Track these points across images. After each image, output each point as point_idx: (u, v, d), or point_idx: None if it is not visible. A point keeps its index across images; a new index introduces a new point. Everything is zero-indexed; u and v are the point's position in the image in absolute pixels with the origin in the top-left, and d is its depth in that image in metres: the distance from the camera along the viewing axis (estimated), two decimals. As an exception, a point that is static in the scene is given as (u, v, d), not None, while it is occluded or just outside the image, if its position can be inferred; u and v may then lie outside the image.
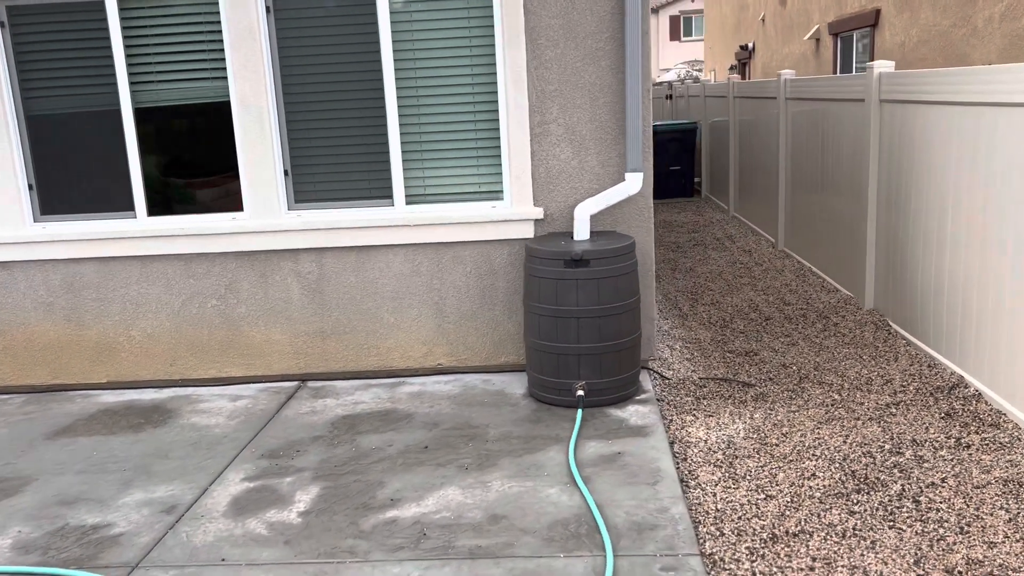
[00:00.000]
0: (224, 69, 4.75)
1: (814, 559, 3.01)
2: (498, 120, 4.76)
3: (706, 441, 4.08)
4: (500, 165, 4.82)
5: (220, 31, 4.70)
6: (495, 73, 4.70)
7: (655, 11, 51.84)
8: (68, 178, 4.93)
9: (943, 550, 3.03)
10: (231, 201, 4.93)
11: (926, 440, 3.96)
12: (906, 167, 5.37)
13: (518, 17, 4.57)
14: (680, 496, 3.40)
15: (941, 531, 3.15)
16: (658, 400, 4.66)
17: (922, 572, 2.90)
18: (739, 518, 3.32)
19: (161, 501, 3.56)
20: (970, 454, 3.79)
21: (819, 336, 5.72)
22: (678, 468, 3.80)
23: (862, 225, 6.10)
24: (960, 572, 2.89)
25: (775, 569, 2.95)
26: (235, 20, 4.63)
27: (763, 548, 3.09)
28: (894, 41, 11.87)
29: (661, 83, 12.50)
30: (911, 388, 4.65)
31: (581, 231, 4.57)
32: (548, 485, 3.54)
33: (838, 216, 6.79)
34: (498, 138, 4.79)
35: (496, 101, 4.74)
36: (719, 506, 3.42)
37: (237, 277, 4.95)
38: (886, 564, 2.96)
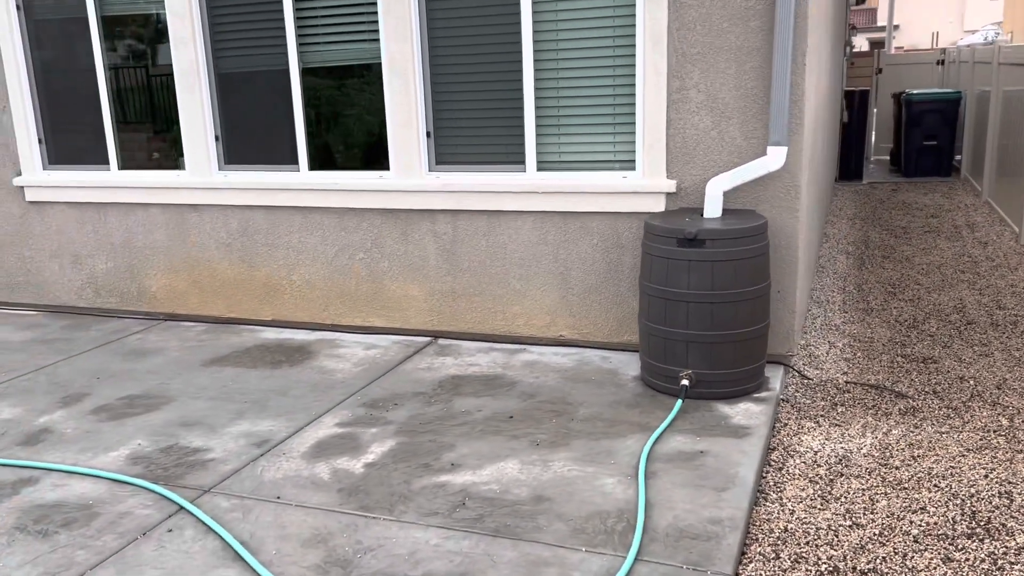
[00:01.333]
0: (377, 32, 4.94)
1: (871, 607, 2.58)
2: (634, 84, 4.49)
3: (816, 452, 3.63)
4: (634, 133, 4.56)
5: (375, -5, 4.88)
6: (635, 35, 4.43)
7: (960, -38, 45.68)
8: (246, 131, 5.43)
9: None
10: (382, 160, 5.16)
11: (1096, 491, 3.21)
12: None
13: (660, -26, 4.25)
14: (745, 508, 3.06)
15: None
16: (783, 401, 4.21)
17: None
18: (806, 543, 2.93)
19: (259, 435, 3.88)
20: None
21: (1022, 348, 4.83)
22: (764, 478, 3.42)
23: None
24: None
25: (819, 609, 2.58)
26: (387, -16, 4.78)
27: (815, 583, 2.71)
28: None
29: (969, 46, 10.98)
30: (1109, 425, 3.79)
31: (712, 208, 4.21)
32: (608, 474, 3.36)
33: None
34: (633, 104, 4.52)
35: (634, 64, 4.47)
36: (790, 526, 3.04)
37: (382, 233, 5.19)
38: (962, 630, 2.47)
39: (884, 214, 9.42)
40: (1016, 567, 2.76)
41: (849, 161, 12.09)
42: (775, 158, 4.16)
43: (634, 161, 4.60)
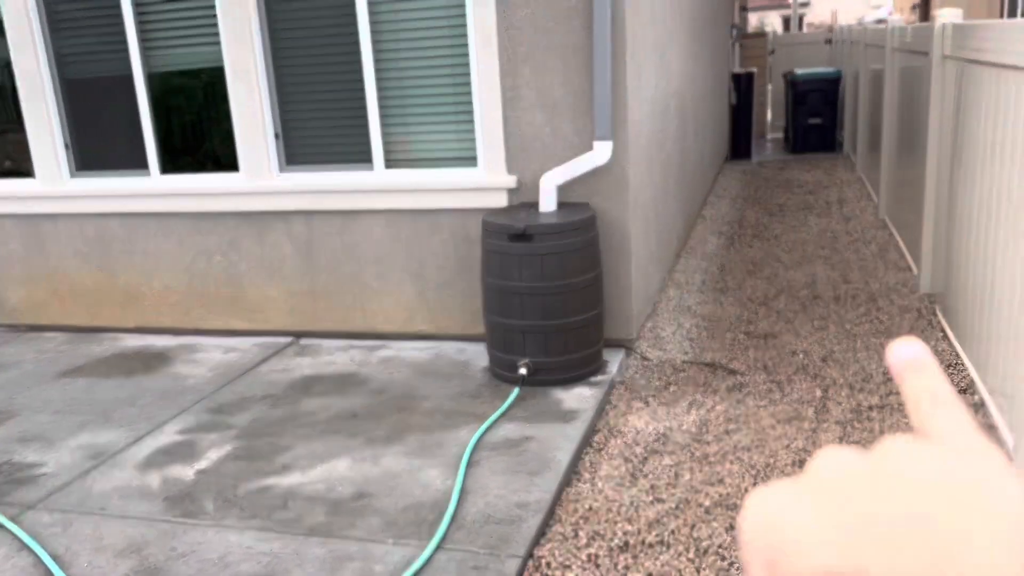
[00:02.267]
0: (219, 36, 4.92)
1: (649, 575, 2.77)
2: (470, 84, 4.60)
3: (639, 432, 3.83)
4: (474, 131, 4.67)
5: (215, -2, 4.86)
6: (467, 35, 4.53)
7: (864, -59, 47.15)
8: (97, 138, 5.35)
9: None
10: (232, 163, 5.15)
11: (881, 455, 3.48)
12: (968, 131, 4.61)
13: (486, -25, 4.36)
14: (553, 491, 3.23)
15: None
16: (619, 383, 4.41)
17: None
18: (607, 520, 3.11)
19: (97, 447, 3.89)
20: (920, 477, 3.29)
21: (855, 322, 5.13)
22: (582, 459, 3.60)
23: (920, 195, 5.34)
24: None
25: (602, 584, 2.75)
26: (225, -13, 4.76)
27: (604, 557, 2.88)
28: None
29: (880, 22, 11.35)
30: (909, 392, 4.08)
31: (547, 202, 4.36)
32: (434, 466, 3.49)
33: (914, 182, 5.99)
34: (471, 103, 4.63)
35: (468, 64, 4.58)
36: (595, 505, 3.22)
37: (238, 235, 5.20)
38: (728, 594, 2.67)
39: (766, 193, 9.78)
40: (789, 531, 2.99)
41: (738, 141, 12.49)
42: (601, 153, 4.32)
43: (476, 158, 4.71)
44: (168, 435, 3.96)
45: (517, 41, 4.42)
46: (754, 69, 12.64)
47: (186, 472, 3.58)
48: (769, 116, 15.79)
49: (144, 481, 3.52)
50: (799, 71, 12.45)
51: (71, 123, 5.35)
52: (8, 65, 5.31)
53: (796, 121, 12.49)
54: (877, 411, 3.90)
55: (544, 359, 4.21)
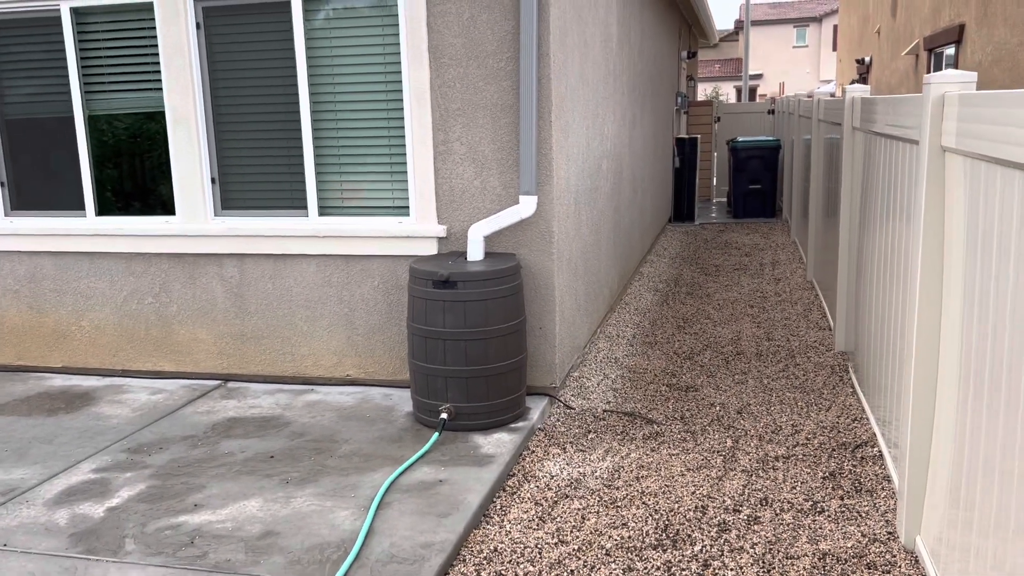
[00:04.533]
0: (161, 82, 5.04)
1: (545, 616, 2.83)
2: (403, 136, 4.77)
3: (553, 477, 3.91)
4: (407, 181, 4.82)
5: (156, 45, 4.99)
6: (402, 91, 4.72)
7: (818, 20, 49.45)
8: (35, 177, 5.39)
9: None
10: (169, 206, 5.22)
11: (780, 500, 3.61)
12: (871, 197, 4.90)
13: (421, 35, 4.56)
14: (460, 532, 3.28)
15: (712, 604, 2.87)
16: (539, 430, 4.50)
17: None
18: (510, 562, 3.17)
19: (7, 483, 3.84)
20: (814, 520, 3.42)
21: (773, 377, 5.32)
22: (494, 502, 3.66)
23: (835, 258, 5.61)
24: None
25: (499, 621, 2.80)
26: (167, 35, 4.90)
27: (503, 598, 2.94)
28: (973, 59, 10.81)
29: (790, 97, 11.74)
30: (814, 442, 4.25)
31: (474, 251, 4.50)
32: (345, 507, 3.52)
33: (834, 245, 6.28)
34: (404, 154, 4.79)
35: (403, 118, 4.75)
36: (501, 546, 3.28)
37: (169, 277, 5.23)
38: (618, 632, 2.74)
39: (704, 253, 10.09)
40: (682, 571, 3.08)
41: (681, 203, 12.89)
42: (526, 206, 4.50)
43: (408, 207, 4.85)
44: (82, 473, 3.93)
45: (449, 98, 4.61)
46: (698, 136, 13.13)
47: (96, 510, 3.55)
48: (715, 181, 16.33)
49: (52, 518, 3.49)
50: (740, 139, 12.96)
51: (9, 162, 5.38)
52: (-52, 102, 5.35)
53: (737, 187, 12.95)
54: (783, 461, 4.05)
55: (465, 404, 4.29)
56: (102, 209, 5.32)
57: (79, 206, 5.33)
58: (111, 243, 5.24)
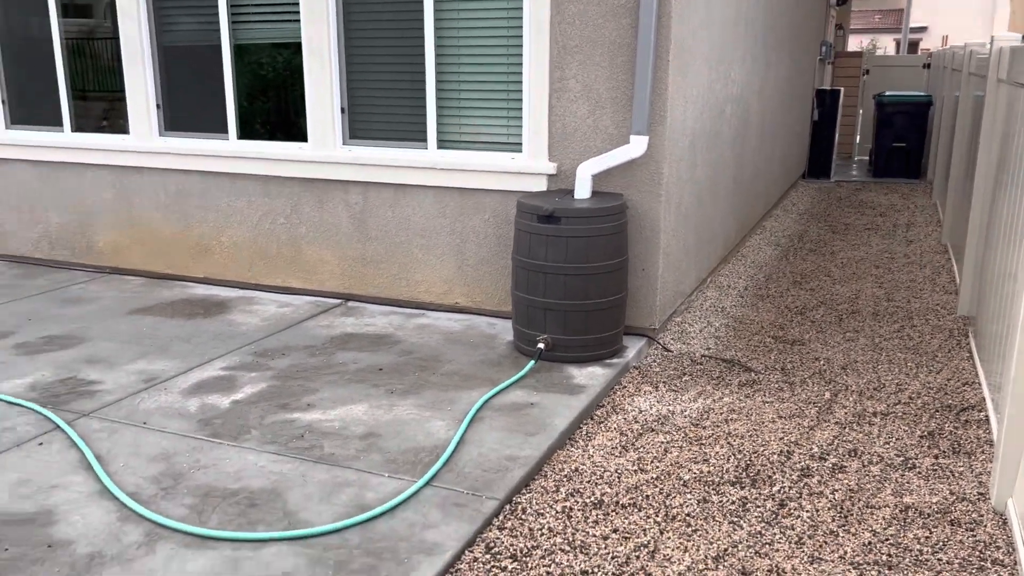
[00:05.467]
0: (299, 14, 5.33)
1: (615, 531, 2.97)
2: (521, 72, 4.85)
3: (640, 411, 4.01)
4: (521, 119, 4.93)
5: (299, -21, 5.27)
6: (522, 26, 4.79)
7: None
8: (185, 101, 5.85)
9: (750, 554, 2.82)
10: (302, 132, 5.56)
11: (870, 453, 3.57)
12: (1009, 155, 4.60)
13: (544, -29, 4.60)
14: (544, 450, 3.46)
15: (770, 538, 2.93)
16: (632, 368, 4.59)
17: (701, 570, 2.75)
18: (589, 481, 3.32)
19: (150, 373, 4.32)
20: (902, 475, 3.38)
21: (886, 336, 5.16)
22: (579, 429, 3.81)
23: (966, 216, 5.31)
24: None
25: (568, 528, 2.96)
26: (308, -31, 5.16)
27: (578, 511, 3.09)
28: None
29: (948, 51, 10.83)
30: (917, 402, 4.13)
31: (581, 190, 4.58)
32: (441, 419, 3.76)
33: (968, 208, 5.93)
34: (520, 91, 4.89)
35: (522, 53, 4.84)
36: (581, 467, 3.43)
37: (300, 201, 5.60)
38: (684, 551, 2.84)
39: (835, 211, 9.70)
40: (757, 508, 3.14)
41: (817, 158, 12.34)
42: (637, 146, 4.51)
43: (521, 144, 4.97)
44: (213, 370, 4.36)
45: (568, 35, 4.66)
46: (841, 88, 12.46)
47: (222, 401, 3.96)
48: (858, 138, 15.49)
49: (184, 405, 3.92)
50: (887, 93, 12.22)
51: (163, 86, 5.87)
52: (108, 32, 5.86)
53: (879, 144, 12.27)
54: (880, 417, 3.97)
55: (562, 336, 4.43)
56: (243, 133, 5.73)
57: (223, 130, 5.76)
58: (250, 166, 5.66)
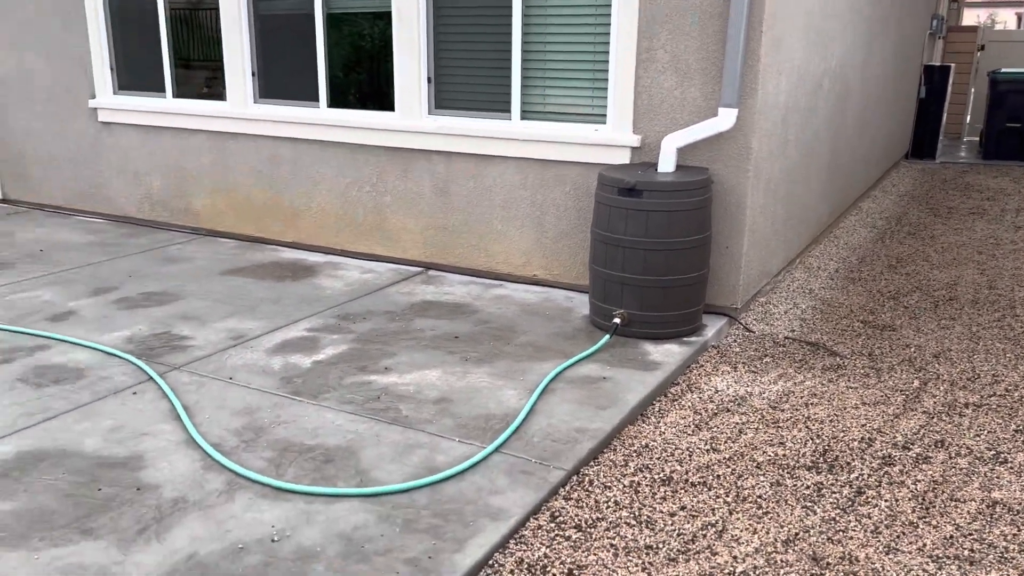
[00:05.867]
0: (390, -17, 5.38)
1: (683, 508, 2.93)
2: (608, 43, 4.77)
3: (716, 391, 3.94)
4: (606, 90, 4.85)
5: (391, -52, 5.31)
6: (611, -5, 4.71)
7: None
8: (279, 69, 6.01)
9: (822, 540, 2.74)
10: (389, 102, 5.63)
11: (958, 445, 3.41)
12: None
13: (635, -62, 4.50)
14: (614, 424, 3.44)
15: (845, 526, 2.84)
16: (711, 347, 4.50)
17: (770, 552, 2.69)
18: (659, 458, 3.29)
19: (239, 331, 4.50)
20: (992, 469, 3.21)
21: (985, 325, 4.91)
22: (652, 405, 3.76)
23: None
24: (824, 563, 2.63)
25: (635, 502, 2.95)
26: (400, -62, 5.19)
27: (646, 486, 3.07)
28: None
29: None
30: (1014, 394, 3.92)
31: (665, 163, 4.49)
32: (513, 388, 3.79)
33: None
34: (607, 61, 4.81)
35: (610, 24, 4.75)
36: (651, 443, 3.40)
37: (386, 170, 5.69)
38: (754, 533, 2.78)
39: (939, 193, 9.23)
40: (832, 494, 3.04)
41: (922, 138, 11.74)
42: (725, 119, 4.39)
43: (605, 115, 4.90)
44: (297, 331, 4.51)
45: (657, 4, 4.55)
46: (951, 65, 11.79)
47: (304, 361, 4.09)
48: (968, 117, 14.65)
49: (268, 363, 4.07)
50: (1003, 70, 11.50)
51: (259, 54, 6.04)
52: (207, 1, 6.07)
53: (991, 124, 11.57)
54: (972, 408, 3.78)
55: (639, 312, 4.38)
56: (333, 102, 5.85)
57: (314, 98, 5.90)
58: (339, 134, 5.77)
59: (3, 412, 3.48)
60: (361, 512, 2.79)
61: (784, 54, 4.82)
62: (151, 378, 3.85)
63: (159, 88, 6.56)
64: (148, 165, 6.73)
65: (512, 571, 2.56)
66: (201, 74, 6.41)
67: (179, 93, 6.49)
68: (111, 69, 6.73)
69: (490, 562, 2.61)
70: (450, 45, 5.32)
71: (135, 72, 6.67)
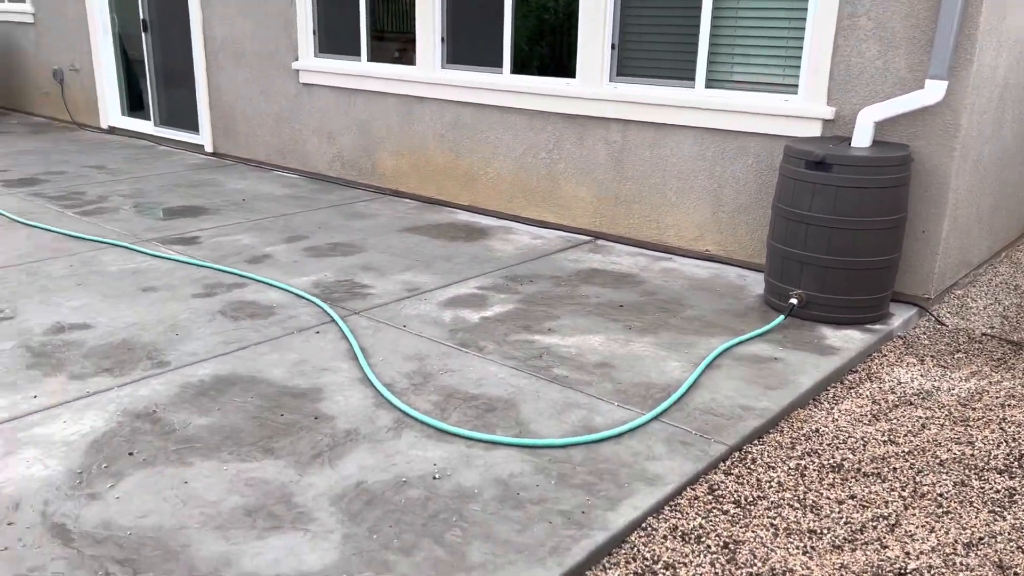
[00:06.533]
0: (581, -52, 5.35)
1: (852, 497, 2.76)
2: (806, 9, 4.50)
3: (899, 383, 3.67)
4: (800, 58, 4.59)
5: (584, -87, 5.27)
6: (813, -42, 4.42)
7: None
8: (466, 35, 6.15)
9: (1011, 547, 2.49)
10: (570, 68, 5.63)
11: None
12: None
13: None
14: (783, 405, 3.28)
15: (980, 524, 2.57)
16: (897, 337, 4.19)
17: (948, 553, 2.48)
18: (829, 444, 3.11)
19: (414, 284, 4.69)
20: None
21: None
22: (826, 391, 3.56)
23: None
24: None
25: (800, 486, 2.81)
26: (593, -98, 5.14)
27: (813, 471, 2.92)
28: None
29: None
30: None
31: (860, 137, 4.20)
32: (676, 360, 3.70)
33: None
34: (803, 28, 4.54)
35: (809, -12, 4.48)
36: (822, 429, 3.22)
37: (562, 137, 5.70)
38: (931, 531, 2.58)
39: None
40: (996, 498, 2.76)
41: None
42: (932, 92, 4.03)
43: (797, 85, 4.64)
44: (467, 288, 4.64)
45: (864, -34, 4.24)
46: None
47: (472, 316, 4.21)
48: None
49: (440, 315, 4.22)
50: None
51: (448, 20, 6.22)
52: (411, -33, 6.29)
53: None
54: None
55: (819, 294, 4.15)
56: (516, 68, 5.92)
57: (498, 64, 6.00)
58: (519, 100, 5.85)
59: (204, 340, 3.84)
60: (518, 461, 2.85)
61: (1008, 23, 4.36)
62: (333, 320, 4.11)
63: (355, 52, 6.92)
64: (341, 125, 7.13)
65: (666, 536, 2.53)
66: (393, 41, 6.69)
67: (372, 58, 6.82)
68: (313, 33, 7.16)
69: (643, 524, 2.58)
70: (637, 11, 5.23)
71: (334, 37, 7.06)
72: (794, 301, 4.19)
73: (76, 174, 7.36)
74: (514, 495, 2.65)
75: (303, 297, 4.41)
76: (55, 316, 4.06)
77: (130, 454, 2.83)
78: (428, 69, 6.35)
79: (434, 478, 2.74)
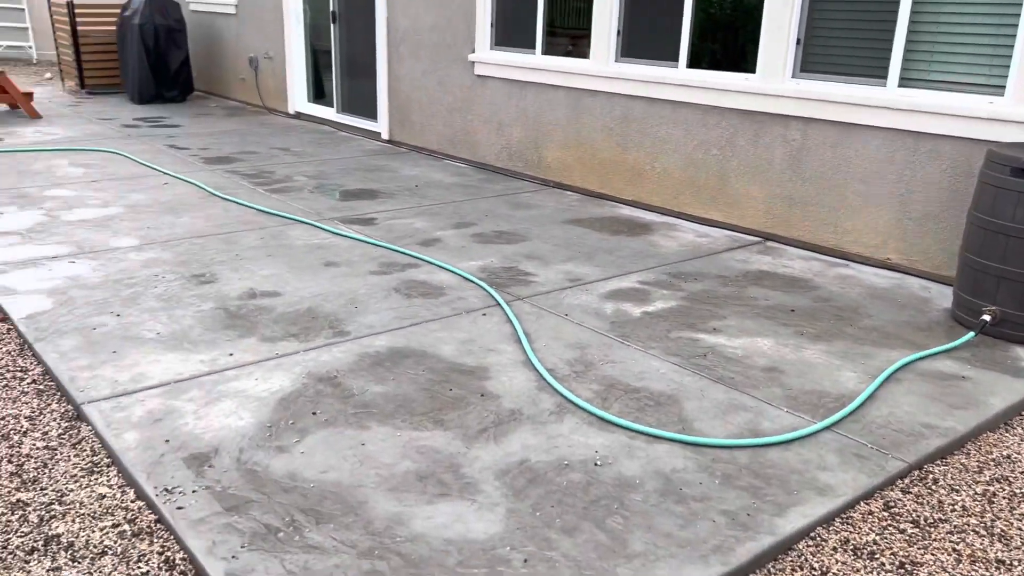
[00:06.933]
0: (769, -61, 5.17)
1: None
2: (1021, 4, 4.13)
3: (1109, 417, 3.31)
4: (1010, 57, 4.22)
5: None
6: (1035, -53, 4.05)
7: None
8: (640, 28, 6.10)
9: None
10: (750, 63, 5.46)
11: None
12: None
13: None
14: (970, 426, 3.05)
15: None
16: (1108, 366, 3.78)
17: None
18: (1022, 473, 2.86)
19: (575, 275, 4.71)
20: None
21: None
22: (1019, 416, 3.27)
23: None
24: None
25: (988, 512, 2.60)
26: None
27: (1003, 499, 2.69)
28: None
29: None
30: None
31: (1077, 144, 3.82)
32: (852, 370, 3.52)
33: None
34: (1015, 23, 4.17)
35: (1027, -20, 4.11)
36: (1015, 456, 2.97)
37: (736, 133, 5.55)
38: None
39: None
40: None
41: None
42: None
43: (1004, 86, 4.28)
44: (629, 282, 4.62)
45: (1096, -44, 3.85)
46: None
47: (634, 310, 4.19)
48: None
49: (600, 307, 4.22)
50: None
51: (625, 13, 6.19)
52: (591, -39, 6.31)
53: None
54: None
55: (1015, 312, 3.82)
56: (692, 62, 5.82)
57: (674, 57, 5.91)
58: (693, 95, 5.74)
59: (380, 314, 4.04)
60: (680, 457, 2.81)
61: None
62: (498, 303, 4.21)
63: (530, 45, 7.03)
64: (511, 117, 7.28)
65: (836, 548, 2.42)
66: (564, 36, 6.74)
67: (547, 51, 6.90)
68: (491, 26, 7.34)
69: (812, 534, 2.48)
70: (826, 7, 4.99)
71: (510, 30, 7.21)
72: (987, 318, 3.88)
73: (266, 155, 7.93)
74: (676, 490, 2.62)
75: (471, 280, 4.55)
76: (248, 283, 4.40)
77: (313, 413, 3.03)
78: (601, 62, 6.36)
79: (595, 464, 2.75)
